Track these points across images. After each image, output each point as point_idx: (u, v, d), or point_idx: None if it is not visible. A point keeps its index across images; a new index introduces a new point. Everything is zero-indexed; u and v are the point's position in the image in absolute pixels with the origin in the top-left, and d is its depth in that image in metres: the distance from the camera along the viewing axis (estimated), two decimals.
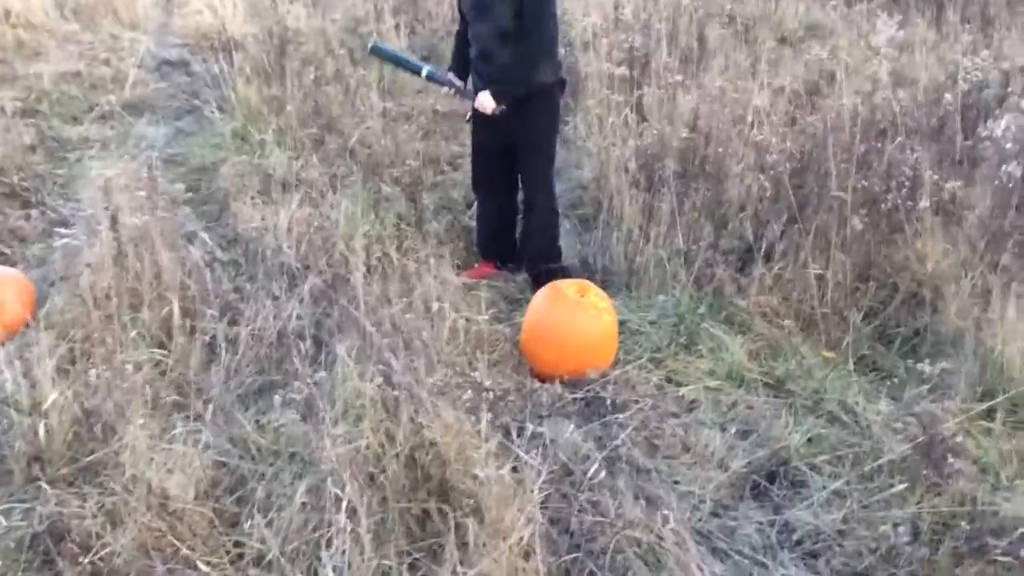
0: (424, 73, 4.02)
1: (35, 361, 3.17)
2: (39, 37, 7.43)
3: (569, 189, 5.17)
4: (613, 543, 2.61)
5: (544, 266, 4.05)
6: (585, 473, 2.86)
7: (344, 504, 2.49)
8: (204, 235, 4.34)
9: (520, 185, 4.12)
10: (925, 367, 3.09)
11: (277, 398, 3.00)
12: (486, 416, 2.74)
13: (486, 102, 3.86)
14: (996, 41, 5.99)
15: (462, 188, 4.98)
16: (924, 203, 3.70)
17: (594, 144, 5.27)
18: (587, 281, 3.67)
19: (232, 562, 2.54)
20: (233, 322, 3.59)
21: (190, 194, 5.10)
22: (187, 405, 3.15)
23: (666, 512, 2.70)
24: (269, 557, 2.52)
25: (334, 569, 2.43)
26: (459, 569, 2.44)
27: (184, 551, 2.49)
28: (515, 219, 4.33)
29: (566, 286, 3.58)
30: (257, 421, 3.11)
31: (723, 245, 4.10)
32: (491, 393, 2.95)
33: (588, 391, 3.38)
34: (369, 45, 4.21)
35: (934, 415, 2.80)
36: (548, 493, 2.76)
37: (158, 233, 3.92)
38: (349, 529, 2.47)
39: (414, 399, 2.81)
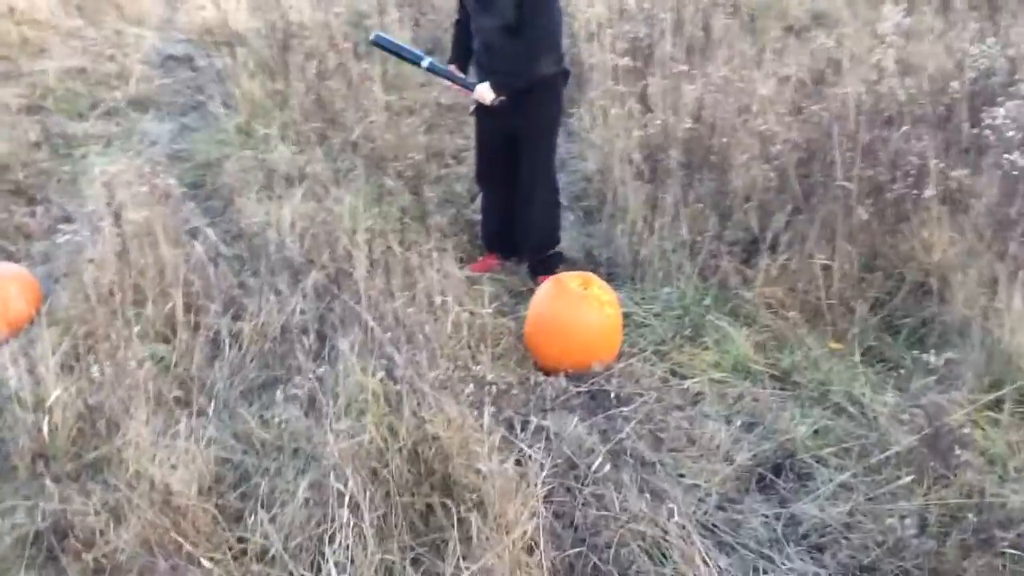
0: (425, 64, 3.99)
1: (39, 357, 3.18)
2: (43, 34, 7.44)
3: (573, 181, 5.15)
4: (617, 537, 2.60)
5: (543, 255, 4.04)
6: (589, 467, 2.84)
7: (347, 499, 2.49)
8: (208, 230, 4.34)
9: (519, 177, 4.08)
10: (931, 358, 3.06)
11: (279, 393, 2.99)
12: (489, 410, 2.73)
13: (485, 93, 3.85)
14: (1003, 28, 5.93)
15: (466, 181, 4.97)
16: (930, 192, 3.66)
17: (598, 135, 5.24)
18: (591, 274, 3.65)
19: (235, 558, 2.54)
20: (237, 317, 3.58)
21: (195, 190, 5.12)
22: (191, 401, 3.15)
23: (671, 505, 2.69)
24: (272, 553, 2.52)
25: (337, 565, 2.42)
26: (462, 564, 2.43)
27: (187, 547, 2.48)
28: None
29: (569, 279, 3.56)
30: (261, 416, 3.11)
31: (728, 236, 4.07)
32: (494, 387, 2.94)
33: (592, 384, 3.36)
34: (371, 37, 4.17)
35: (940, 406, 2.77)
36: (552, 487, 2.74)
37: (161, 229, 3.92)
38: (352, 524, 2.47)
39: (417, 393, 2.81)
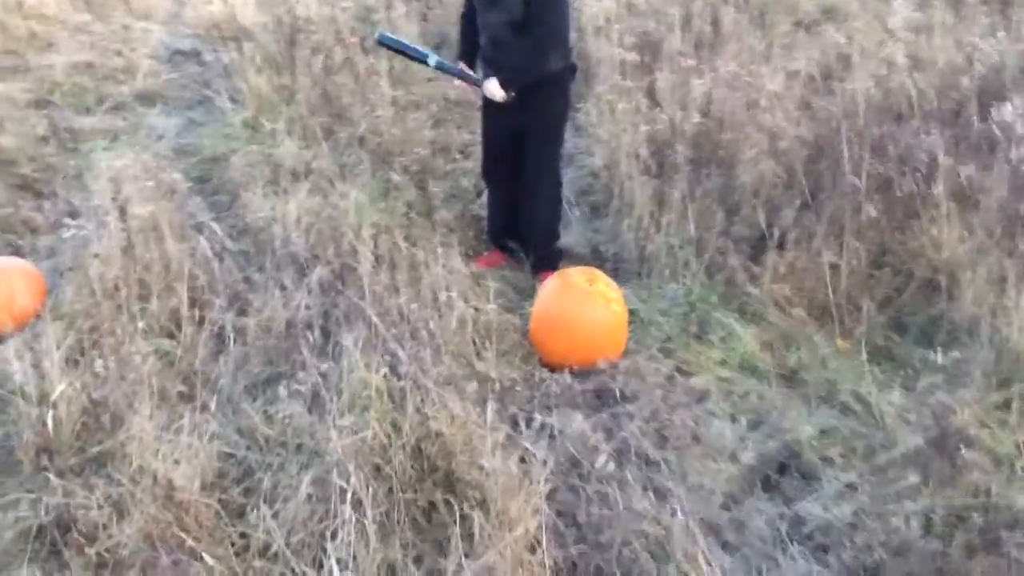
0: (433, 63, 3.98)
1: (44, 352, 3.18)
2: (51, 28, 7.42)
3: (580, 176, 5.13)
4: (620, 536, 2.58)
5: (544, 251, 4.03)
6: (593, 464, 2.83)
7: (349, 496, 2.48)
8: (214, 225, 4.33)
9: (523, 172, 4.06)
10: (937, 356, 3.04)
11: (282, 389, 2.99)
12: (492, 407, 2.72)
13: (495, 90, 3.83)
14: (1014, 23, 5.88)
15: (473, 176, 4.94)
16: (939, 188, 3.63)
17: (605, 130, 5.21)
18: (596, 270, 3.64)
19: (237, 554, 2.54)
20: (242, 312, 3.58)
21: (202, 184, 5.12)
22: (195, 396, 3.15)
23: (675, 505, 2.68)
24: (274, 548, 2.52)
25: (339, 561, 2.42)
26: (464, 562, 2.43)
27: (189, 542, 2.48)
28: None
29: (575, 275, 3.55)
30: (265, 412, 3.10)
31: (735, 233, 4.04)
32: (497, 383, 2.93)
33: (598, 381, 3.34)
34: (376, 36, 4.14)
35: (947, 406, 2.75)
36: (555, 485, 2.74)
37: (167, 223, 3.92)
38: (354, 521, 2.46)
39: (420, 390, 2.80)
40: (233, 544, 2.56)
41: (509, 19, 3.75)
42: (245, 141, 5.50)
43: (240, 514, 2.68)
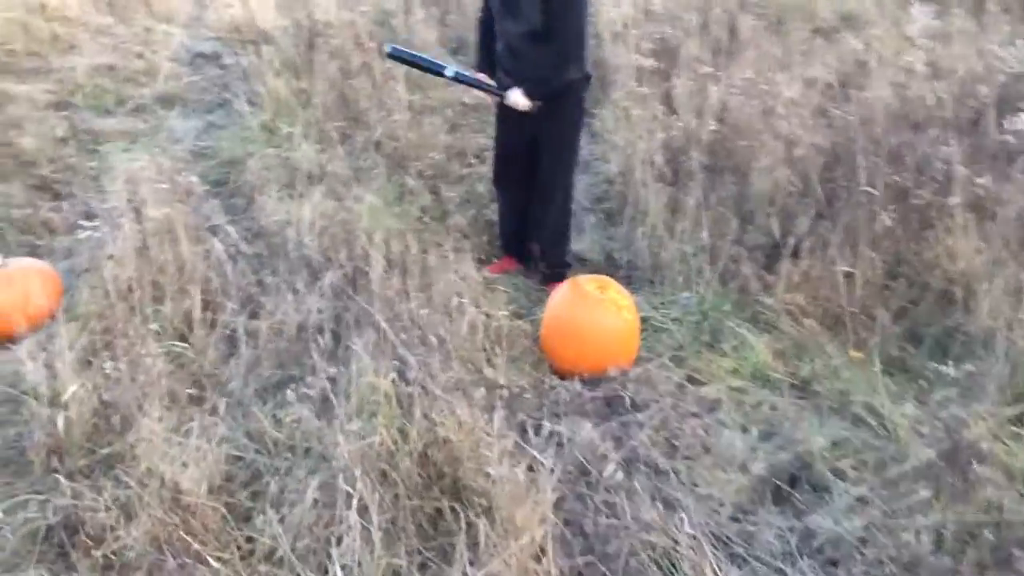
0: (450, 74, 3.91)
1: (57, 353, 3.19)
2: (74, 30, 7.48)
3: (595, 183, 5.12)
4: (627, 546, 2.57)
5: (555, 264, 4.02)
6: (602, 473, 2.82)
7: (355, 501, 2.48)
8: (229, 228, 4.34)
9: (537, 179, 4.04)
10: (950, 369, 3.00)
11: (290, 393, 2.99)
12: (500, 414, 2.71)
13: (519, 100, 3.79)
14: None
15: (487, 182, 4.94)
16: (956, 199, 3.60)
17: (621, 137, 5.20)
18: (608, 277, 3.62)
19: (243, 558, 2.54)
20: (254, 315, 3.59)
21: (219, 187, 5.14)
22: (205, 398, 3.16)
23: (683, 516, 2.66)
24: (280, 553, 2.52)
25: (344, 567, 2.42)
26: (469, 570, 2.41)
27: (195, 546, 2.48)
28: None
29: (587, 282, 3.53)
30: (274, 415, 3.10)
31: (749, 241, 4.02)
32: (506, 390, 2.92)
33: (608, 389, 3.33)
34: (386, 50, 4.06)
35: (960, 419, 2.72)
36: (563, 494, 2.73)
37: (182, 226, 3.93)
38: (360, 527, 2.46)
39: (428, 395, 2.79)
40: (239, 548, 2.56)
41: (528, 28, 3.71)
42: (262, 144, 5.52)
43: (247, 518, 2.68)
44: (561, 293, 3.58)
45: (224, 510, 2.63)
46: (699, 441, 3.11)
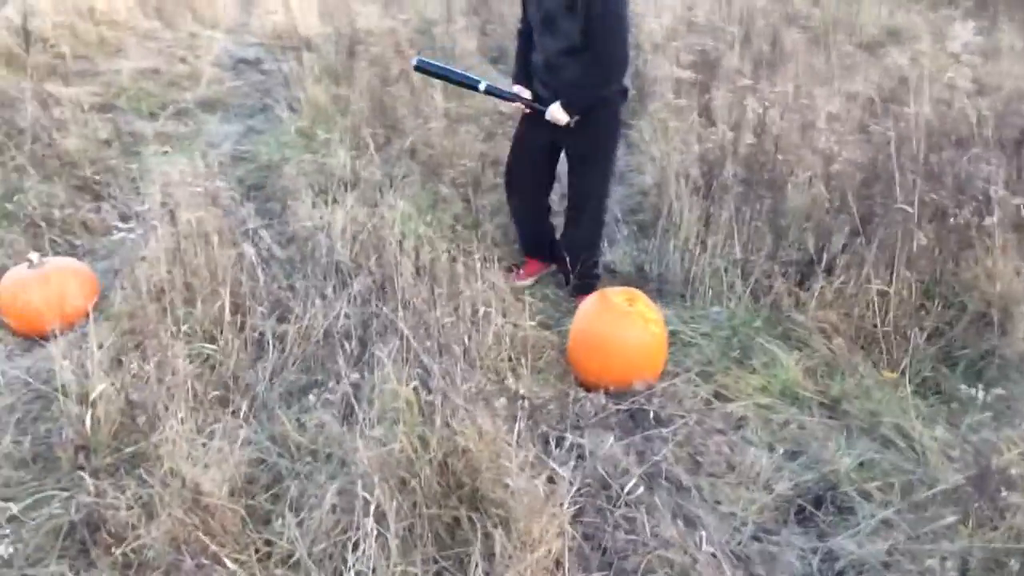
0: (483, 88, 3.89)
1: (89, 352, 3.24)
2: (121, 34, 7.63)
3: (630, 195, 5.09)
4: (645, 562, 2.54)
5: (585, 275, 3.98)
6: (623, 488, 2.79)
7: (372, 508, 2.48)
8: (263, 232, 4.40)
9: (568, 192, 4.02)
10: (979, 392, 2.93)
11: (311, 397, 3.00)
12: (519, 424, 2.69)
13: (559, 115, 3.75)
14: None
15: None
16: (994, 219, 3.53)
17: (657, 149, 5.17)
18: (637, 290, 3.59)
19: (260, 560, 2.54)
20: (282, 319, 3.60)
21: (256, 191, 5.20)
22: (231, 401, 3.18)
23: (703, 533, 2.63)
24: (296, 557, 2.52)
25: (359, 573, 2.41)
26: None
27: (213, 548, 2.50)
28: (549, 214, 4.29)
29: (615, 294, 3.51)
30: (298, 420, 3.11)
31: (783, 256, 3.97)
32: (527, 401, 2.91)
33: (633, 403, 3.29)
34: (413, 62, 4.01)
35: (991, 444, 2.65)
36: (582, 506, 2.71)
37: (216, 229, 3.97)
38: (376, 533, 2.45)
39: (449, 404, 2.78)
40: (257, 551, 2.57)
41: (567, 44, 3.67)
42: (300, 150, 5.58)
43: (266, 521, 2.69)
44: (589, 305, 3.55)
45: (243, 512, 2.64)
46: (723, 458, 3.07)
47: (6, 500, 2.74)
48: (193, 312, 3.59)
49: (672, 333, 3.67)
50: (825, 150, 4.35)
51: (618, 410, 3.25)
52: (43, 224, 4.47)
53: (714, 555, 2.55)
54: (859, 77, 5.69)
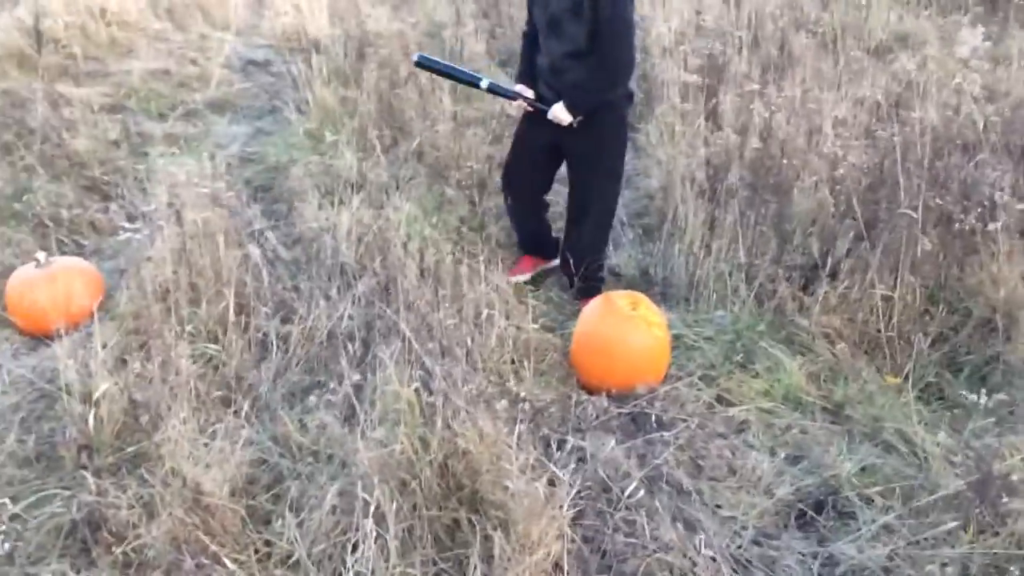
0: (485, 86, 3.88)
1: (93, 351, 3.26)
2: (132, 35, 7.66)
3: (636, 198, 5.09)
4: (644, 565, 2.54)
5: (589, 278, 3.97)
6: (623, 491, 2.79)
7: (372, 509, 2.48)
8: (269, 233, 4.42)
9: (572, 196, 4.01)
10: (982, 398, 2.92)
11: (312, 399, 3.02)
12: (519, 427, 2.70)
13: (561, 115, 3.74)
14: None
15: None
16: (998, 224, 3.51)
17: (664, 153, 5.17)
18: (640, 294, 3.59)
19: (260, 561, 2.56)
20: (286, 320, 3.62)
21: (263, 193, 5.22)
22: (234, 401, 3.19)
23: (703, 537, 2.63)
24: (296, 558, 2.53)
25: (357, 575, 2.42)
26: None
27: (213, 547, 2.51)
28: (546, 212, 4.30)
29: (618, 298, 3.51)
30: (300, 420, 3.12)
31: (787, 261, 3.96)
32: (527, 403, 2.91)
33: (635, 406, 3.29)
34: (414, 58, 3.98)
35: (993, 450, 2.64)
36: (582, 509, 2.71)
37: (222, 230, 3.99)
38: (376, 535, 2.46)
39: (450, 406, 2.79)
40: (256, 551, 2.58)
41: (572, 48, 3.67)
42: (307, 151, 5.59)
43: (266, 521, 2.70)
44: (592, 308, 3.56)
45: (244, 512, 2.65)
46: (725, 462, 3.07)
47: (10, 499, 2.74)
48: (197, 312, 3.60)
49: (675, 337, 3.67)
50: (830, 155, 4.33)
51: (620, 413, 3.25)
52: (51, 224, 4.51)
53: (714, 559, 2.55)
54: (867, 82, 5.67)
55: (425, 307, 3.49)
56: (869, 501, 2.86)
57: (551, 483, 2.66)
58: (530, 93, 3.92)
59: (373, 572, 2.42)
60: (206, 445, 2.81)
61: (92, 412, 2.97)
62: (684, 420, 3.24)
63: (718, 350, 3.64)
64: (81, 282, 3.84)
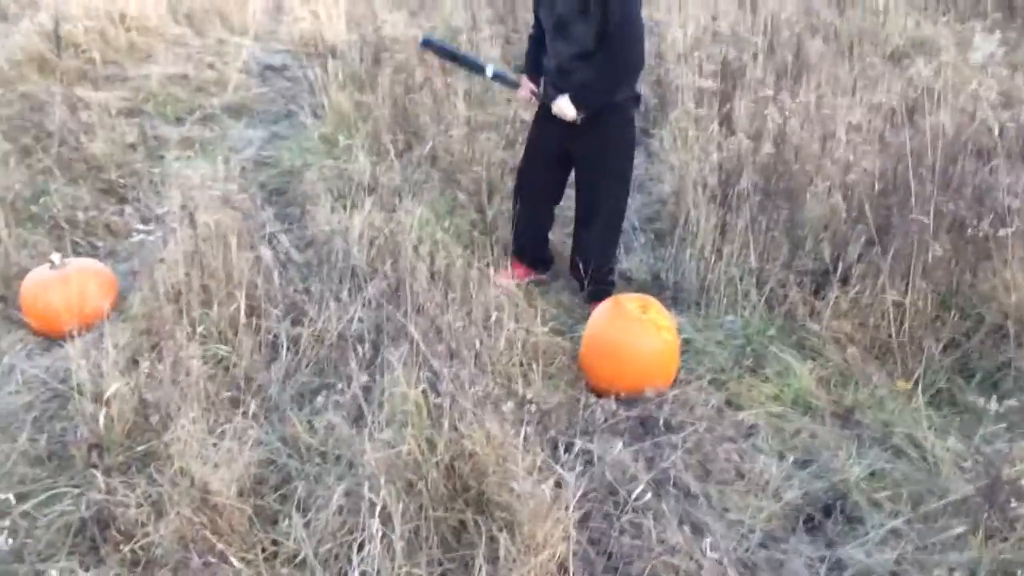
0: (490, 73, 3.85)
1: (105, 352, 3.28)
2: (151, 40, 7.71)
3: (648, 203, 5.09)
4: (650, 567, 2.54)
5: (600, 282, 3.97)
6: (630, 494, 2.78)
7: (378, 509, 2.49)
8: (282, 236, 4.44)
9: (580, 199, 4.01)
10: (993, 403, 2.90)
11: (320, 399, 3.03)
12: (525, 429, 2.70)
13: (566, 108, 3.73)
14: None
15: None
16: (1010, 230, 3.49)
17: (677, 158, 5.17)
18: (650, 297, 3.59)
19: (267, 560, 2.57)
20: (297, 322, 3.63)
21: (278, 196, 5.25)
22: (243, 401, 3.20)
23: (710, 540, 2.62)
24: (302, 557, 2.54)
25: (363, 574, 2.43)
26: None
27: (220, 546, 2.52)
28: (551, 225, 4.31)
29: (628, 301, 3.51)
30: (309, 422, 3.14)
31: (798, 266, 3.95)
32: (534, 405, 2.91)
33: (643, 410, 3.29)
34: (420, 39, 3.91)
35: (1002, 455, 2.62)
36: (588, 511, 2.71)
37: (235, 233, 4.01)
38: (382, 535, 2.47)
39: (458, 408, 2.80)
40: (263, 550, 2.60)
41: (579, 49, 3.67)
42: (322, 155, 5.62)
43: (273, 521, 2.72)
44: (601, 311, 3.56)
45: (251, 512, 2.67)
46: (733, 466, 3.06)
47: (21, 496, 2.77)
48: (209, 314, 3.63)
49: (686, 341, 3.66)
50: (845, 159, 4.32)
51: (628, 416, 3.25)
52: (67, 226, 4.54)
53: (720, 562, 2.54)
54: (882, 88, 5.65)
55: (435, 310, 3.50)
56: (878, 505, 2.86)
57: (558, 485, 2.66)
58: (532, 86, 3.93)
59: (379, 572, 2.43)
60: (215, 445, 2.83)
61: (103, 412, 3.00)
62: (692, 424, 3.24)
63: (728, 354, 3.64)
64: (95, 284, 3.88)
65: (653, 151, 5.63)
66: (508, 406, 2.79)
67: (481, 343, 3.31)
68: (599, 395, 3.40)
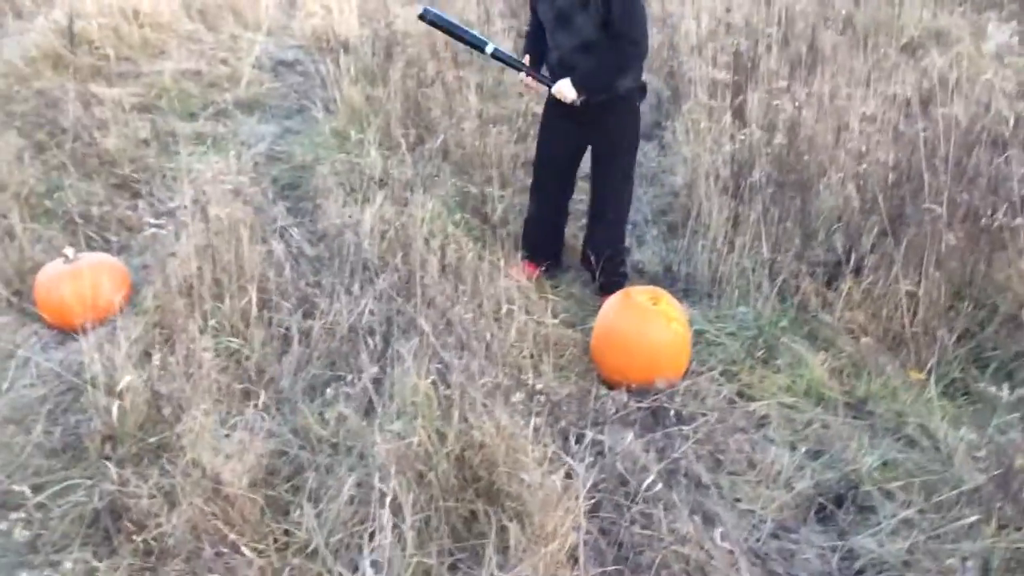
0: (489, 51, 3.80)
1: (118, 345, 3.30)
2: (164, 36, 7.73)
3: (660, 195, 5.07)
4: (660, 557, 2.53)
5: (611, 274, 3.96)
6: (641, 484, 2.78)
7: (389, 500, 2.49)
8: (294, 230, 4.45)
9: (592, 192, 4.01)
10: (1005, 393, 2.88)
11: (331, 391, 3.04)
12: (535, 420, 2.70)
13: (566, 90, 3.67)
14: None
15: None
16: (1021, 220, 3.46)
17: (690, 150, 5.15)
18: (661, 289, 3.58)
19: (278, 550, 2.59)
20: (308, 315, 3.64)
21: (290, 191, 5.26)
22: (256, 393, 3.22)
23: (721, 530, 2.61)
24: (313, 547, 2.55)
25: (374, 564, 2.43)
26: (497, 573, 2.41)
27: (232, 536, 2.53)
28: (565, 223, 4.28)
29: (639, 293, 3.50)
30: (321, 413, 3.14)
31: (810, 257, 3.93)
32: (543, 396, 2.91)
33: (655, 401, 3.28)
34: (420, 11, 3.85)
35: (1016, 445, 2.60)
36: (598, 500, 2.71)
37: (247, 227, 4.03)
38: (392, 525, 2.47)
39: (468, 399, 2.80)
40: (275, 540, 2.61)
41: (581, 41, 3.65)
42: (334, 150, 5.62)
43: (285, 512, 2.73)
44: (612, 303, 3.55)
45: (263, 503, 2.69)
46: (744, 456, 3.06)
47: (36, 488, 2.79)
48: (221, 307, 3.64)
49: (698, 332, 3.65)
50: (858, 149, 4.29)
51: (639, 408, 3.24)
52: (81, 221, 4.56)
53: (731, 551, 2.54)
54: (897, 79, 5.61)
55: (445, 302, 3.50)
56: (890, 495, 2.84)
57: (568, 476, 2.66)
58: (532, 70, 3.87)
59: (390, 561, 2.43)
60: (227, 436, 2.85)
61: (116, 404, 3.01)
62: (704, 415, 3.23)
63: (740, 345, 3.63)
64: (107, 277, 3.89)
65: (665, 143, 5.61)
66: (518, 397, 2.79)
67: (491, 335, 3.32)
68: (610, 387, 3.40)
